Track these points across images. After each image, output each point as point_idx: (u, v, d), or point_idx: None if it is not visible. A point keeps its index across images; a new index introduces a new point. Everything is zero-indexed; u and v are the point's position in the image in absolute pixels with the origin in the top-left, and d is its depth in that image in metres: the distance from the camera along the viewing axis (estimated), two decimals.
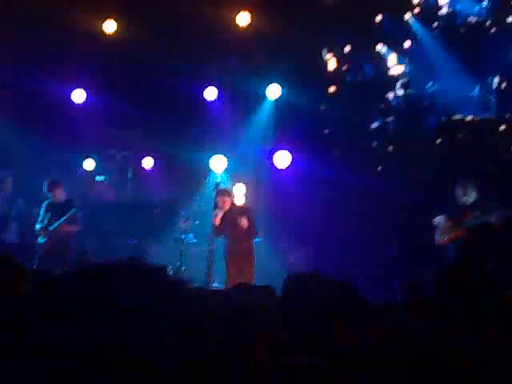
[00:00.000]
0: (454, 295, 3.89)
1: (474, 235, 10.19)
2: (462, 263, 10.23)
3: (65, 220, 10.86)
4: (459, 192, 10.53)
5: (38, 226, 11.02)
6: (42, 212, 11.03)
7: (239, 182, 12.94)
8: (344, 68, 16.04)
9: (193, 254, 12.05)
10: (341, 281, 3.48)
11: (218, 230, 10.73)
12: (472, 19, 16.91)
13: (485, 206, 10.33)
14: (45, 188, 11.00)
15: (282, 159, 13.34)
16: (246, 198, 12.77)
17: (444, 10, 17.41)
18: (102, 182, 13.33)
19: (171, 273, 10.73)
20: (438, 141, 14.97)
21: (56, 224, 10.86)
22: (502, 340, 3.30)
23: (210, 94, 13.91)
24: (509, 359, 3.05)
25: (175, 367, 1.06)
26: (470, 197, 10.46)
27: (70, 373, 1.03)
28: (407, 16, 16.60)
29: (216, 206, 10.70)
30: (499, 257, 10.24)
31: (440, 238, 10.59)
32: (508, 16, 16.44)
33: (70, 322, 1.05)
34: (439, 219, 10.64)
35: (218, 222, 10.62)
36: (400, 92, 16.23)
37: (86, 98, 13.10)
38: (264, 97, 14.09)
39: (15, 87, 12.32)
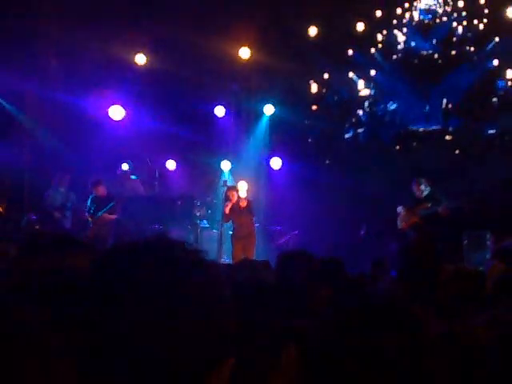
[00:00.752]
0: (413, 268, 3.73)
1: (426, 221, 10.12)
2: (417, 243, 10.35)
3: (106, 210, 10.83)
4: (415, 187, 10.47)
5: (86, 214, 10.93)
6: (88, 204, 10.91)
7: (242, 179, 12.73)
8: (324, 91, 16.12)
9: (206, 236, 12.05)
10: (329, 256, 3.40)
11: (227, 218, 10.73)
12: (423, 53, 17.12)
13: (435, 198, 10.31)
14: (90, 185, 10.89)
15: (276, 162, 13.37)
16: (248, 192, 12.66)
17: (401, 46, 17.66)
18: (135, 180, 13.02)
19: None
20: (398, 147, 15.11)
21: (99, 213, 10.80)
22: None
23: (219, 111, 13.80)
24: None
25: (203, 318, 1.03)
26: (424, 191, 10.40)
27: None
28: (372, 50, 16.68)
29: (226, 199, 10.67)
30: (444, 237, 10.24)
31: (400, 224, 10.55)
32: (452, 50, 16.65)
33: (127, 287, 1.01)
34: (400, 209, 10.59)
35: (227, 211, 10.59)
36: (367, 109, 16.27)
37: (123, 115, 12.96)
38: (261, 114, 14.01)
39: (70, 106, 12.20)
